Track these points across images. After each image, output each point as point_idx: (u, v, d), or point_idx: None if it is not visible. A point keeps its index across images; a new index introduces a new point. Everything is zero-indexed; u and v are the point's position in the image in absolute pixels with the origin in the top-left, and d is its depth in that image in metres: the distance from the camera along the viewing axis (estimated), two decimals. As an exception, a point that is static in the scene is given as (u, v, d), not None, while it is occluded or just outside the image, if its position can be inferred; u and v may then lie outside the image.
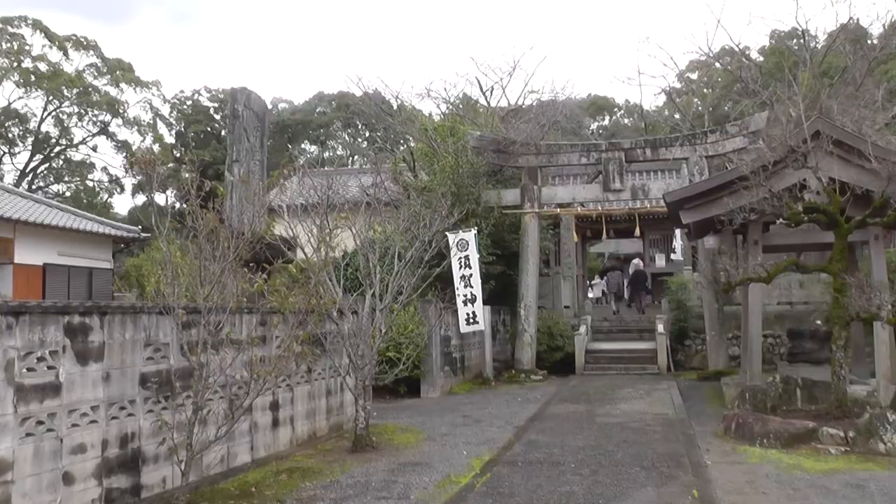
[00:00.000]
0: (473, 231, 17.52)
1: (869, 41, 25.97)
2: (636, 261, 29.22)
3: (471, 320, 17.23)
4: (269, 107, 54.44)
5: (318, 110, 55.31)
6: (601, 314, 25.21)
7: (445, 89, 29.30)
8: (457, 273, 17.22)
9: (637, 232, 21.46)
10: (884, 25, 26.74)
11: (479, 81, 29.14)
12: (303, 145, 55.44)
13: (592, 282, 33.79)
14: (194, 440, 7.35)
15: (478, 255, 17.46)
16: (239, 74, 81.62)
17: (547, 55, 46.11)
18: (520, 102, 28.90)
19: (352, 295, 11.86)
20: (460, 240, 17.22)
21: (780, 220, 10.75)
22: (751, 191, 11.31)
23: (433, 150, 22.50)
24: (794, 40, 31.27)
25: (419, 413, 13.68)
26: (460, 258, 17.18)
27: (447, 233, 16.97)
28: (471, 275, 17.22)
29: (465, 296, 17.19)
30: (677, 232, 22.17)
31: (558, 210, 21.70)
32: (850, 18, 25.47)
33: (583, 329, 21.06)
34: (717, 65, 32.87)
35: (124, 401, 7.28)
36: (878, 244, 12.48)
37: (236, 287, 8.39)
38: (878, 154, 10.84)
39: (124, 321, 7.36)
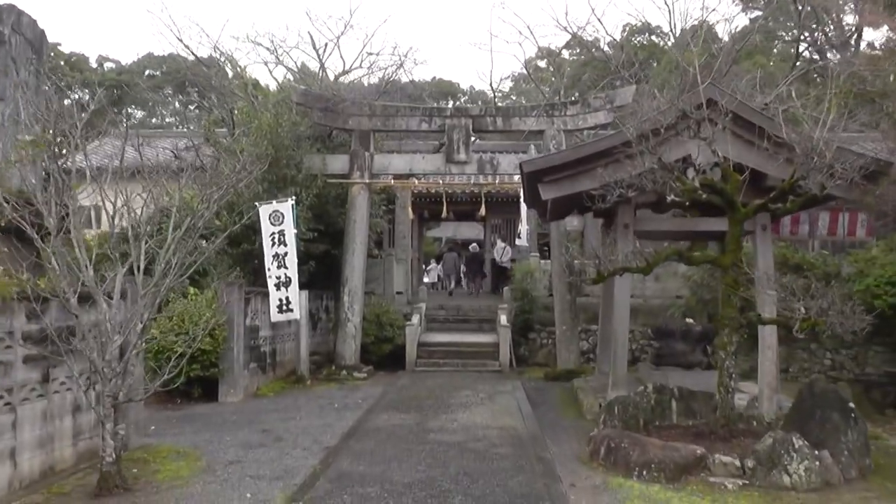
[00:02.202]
0: (290, 202, 14.46)
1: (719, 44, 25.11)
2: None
3: (284, 307, 14.22)
4: (94, 65, 48.76)
5: (147, 72, 49.62)
6: (437, 301, 22.88)
7: (273, 41, 25.91)
8: (269, 251, 14.21)
9: (482, 211, 19.17)
10: (731, 33, 26.33)
11: (311, 37, 26.03)
12: (129, 109, 49.41)
13: (428, 266, 31.72)
14: None
15: (295, 231, 14.42)
16: (59, 31, 72.44)
17: (389, 16, 43.05)
18: (357, 65, 25.94)
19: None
20: (274, 212, 14.20)
21: (672, 196, 8.59)
22: (633, 161, 9.15)
23: (253, 108, 19.29)
24: (646, 34, 30.59)
25: (209, 426, 10.73)
26: (273, 233, 14.17)
27: (258, 203, 14.07)
28: (286, 253, 14.20)
29: (279, 278, 14.17)
30: (523, 215, 20.02)
31: (393, 182, 19.03)
32: (702, 19, 24.52)
33: (416, 319, 18.55)
34: (565, 54, 31.58)
35: None
36: (766, 236, 10.72)
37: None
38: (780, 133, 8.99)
39: None
